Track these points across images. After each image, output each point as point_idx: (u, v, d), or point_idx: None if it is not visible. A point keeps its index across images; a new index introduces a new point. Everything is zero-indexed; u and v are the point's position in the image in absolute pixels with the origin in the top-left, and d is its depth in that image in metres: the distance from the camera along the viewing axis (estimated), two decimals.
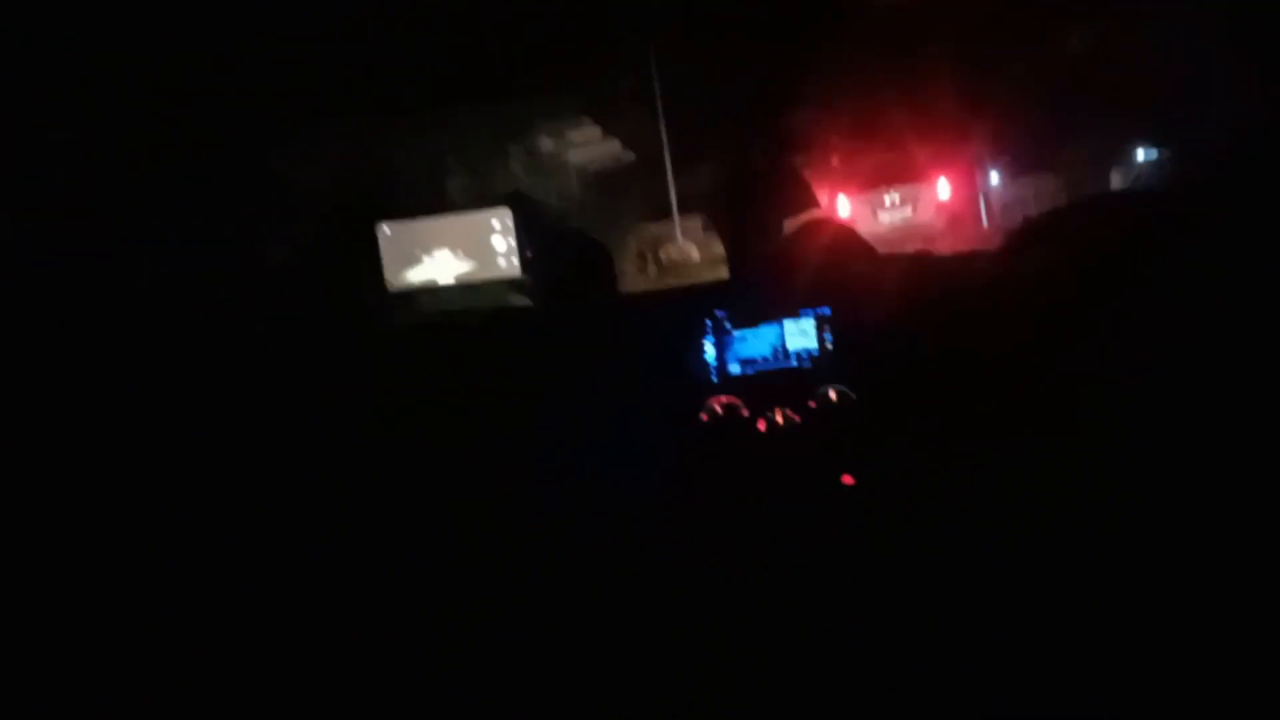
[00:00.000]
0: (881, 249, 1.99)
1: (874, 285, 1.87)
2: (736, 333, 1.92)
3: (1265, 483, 1.17)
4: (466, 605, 1.78)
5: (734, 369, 1.93)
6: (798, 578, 1.78)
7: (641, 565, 1.83)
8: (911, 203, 6.42)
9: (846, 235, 1.90)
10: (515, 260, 2.05)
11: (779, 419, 1.88)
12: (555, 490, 1.91)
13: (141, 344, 1.86)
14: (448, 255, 2.06)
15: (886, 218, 5.91)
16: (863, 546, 1.77)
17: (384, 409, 1.96)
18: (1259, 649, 1.05)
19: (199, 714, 1.57)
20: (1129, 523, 1.47)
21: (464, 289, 2.12)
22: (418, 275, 2.09)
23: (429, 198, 2.27)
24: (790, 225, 1.99)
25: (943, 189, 6.37)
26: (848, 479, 1.82)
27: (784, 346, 1.91)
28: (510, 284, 2.10)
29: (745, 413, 1.89)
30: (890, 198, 6.01)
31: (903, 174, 6.12)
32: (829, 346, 1.88)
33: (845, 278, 1.89)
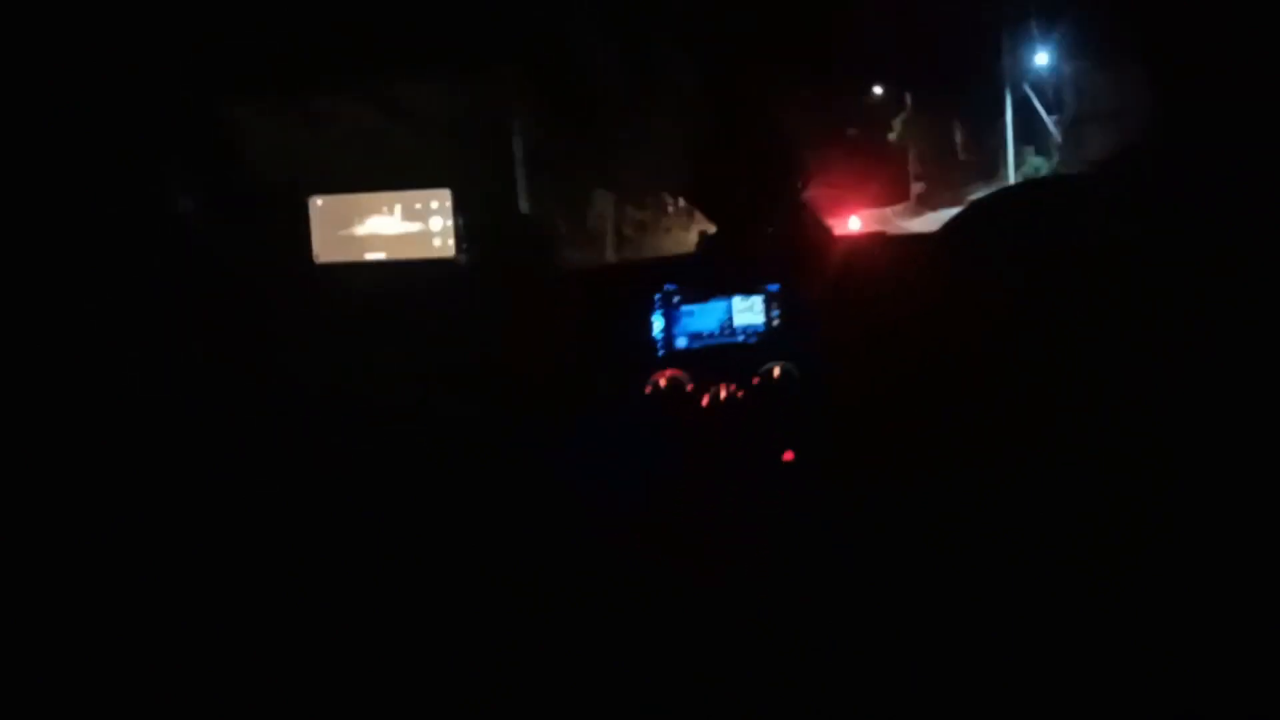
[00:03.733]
0: None
1: (824, 263, 1.89)
2: (685, 308, 1.93)
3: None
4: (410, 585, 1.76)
5: (680, 343, 1.93)
6: (738, 552, 1.78)
7: (585, 539, 1.81)
8: None
9: (799, 213, 1.92)
10: (450, 241, 2.04)
11: (722, 394, 1.88)
12: (498, 467, 1.90)
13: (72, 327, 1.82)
14: (380, 231, 2.05)
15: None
16: (802, 522, 1.78)
17: (316, 382, 1.93)
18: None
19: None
20: (1058, 506, 1.49)
21: (396, 266, 2.10)
22: (348, 250, 2.07)
23: (365, 173, 2.24)
24: (745, 202, 2.00)
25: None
26: (788, 455, 1.83)
27: (731, 322, 1.92)
28: (444, 263, 2.08)
29: (690, 387, 1.89)
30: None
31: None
32: (775, 323, 1.89)
33: (795, 255, 1.90)
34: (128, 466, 1.73)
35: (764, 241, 1.93)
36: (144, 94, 1.99)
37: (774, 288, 1.89)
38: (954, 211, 1.87)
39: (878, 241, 1.95)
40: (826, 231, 1.93)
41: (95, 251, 1.87)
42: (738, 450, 1.86)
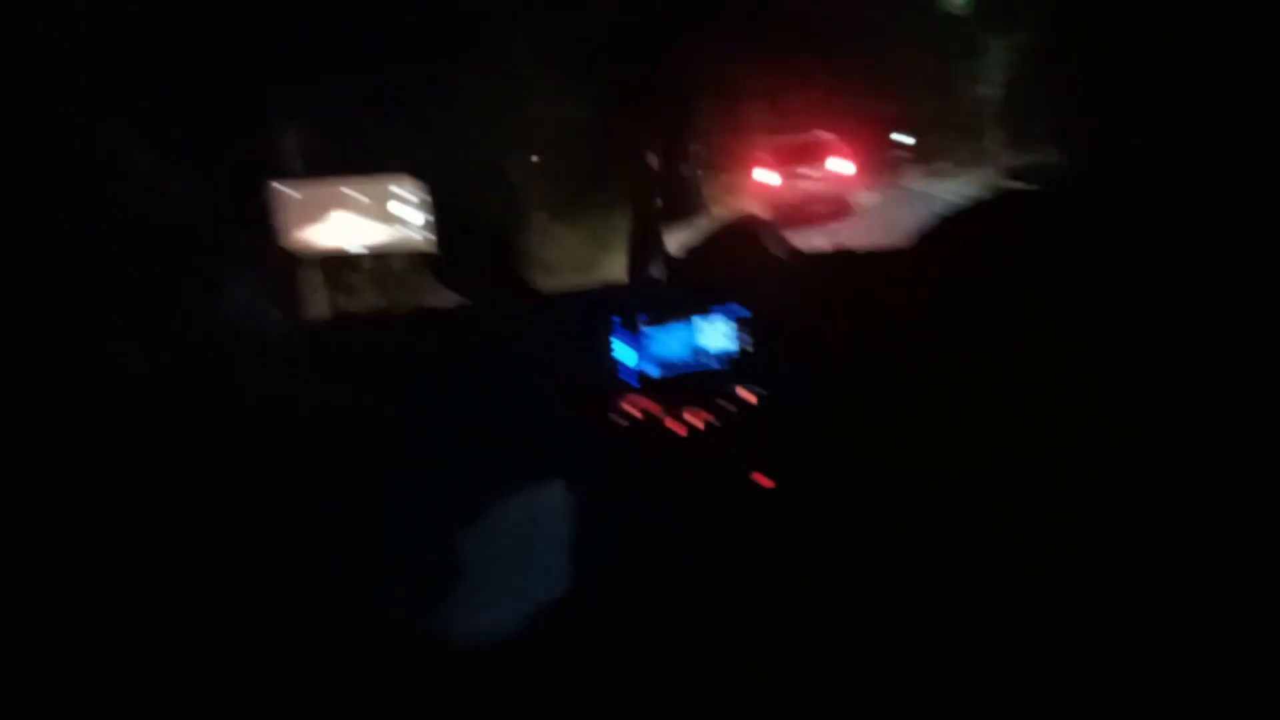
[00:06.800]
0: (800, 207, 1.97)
1: (791, 286, 1.84)
2: (653, 335, 1.88)
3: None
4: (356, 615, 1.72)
5: (650, 370, 1.88)
6: (714, 578, 1.76)
7: (557, 569, 1.79)
8: (819, 176, 7.93)
9: (765, 236, 1.87)
10: (425, 234, 1.96)
11: (694, 420, 1.84)
12: (466, 493, 1.86)
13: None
14: (350, 220, 1.96)
15: (804, 185, 7.99)
16: (778, 545, 1.76)
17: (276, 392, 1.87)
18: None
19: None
20: (1046, 529, 1.48)
21: (367, 258, 2.03)
22: (319, 238, 1.98)
23: (329, 162, 2.14)
24: (709, 225, 1.95)
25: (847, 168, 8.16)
26: (762, 479, 1.81)
27: (701, 348, 1.87)
28: (418, 256, 2.01)
29: (661, 415, 1.85)
30: (805, 170, 7.87)
31: (813, 155, 7.90)
32: (745, 347, 1.85)
33: (763, 279, 1.86)
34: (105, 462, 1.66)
35: (729, 265, 1.88)
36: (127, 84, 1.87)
37: (742, 312, 1.85)
38: None
39: (844, 258, 1.91)
40: (791, 252, 1.88)
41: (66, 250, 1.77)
42: (714, 477, 1.83)
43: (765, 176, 8.05)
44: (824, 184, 8.15)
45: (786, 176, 8.05)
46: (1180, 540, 1.13)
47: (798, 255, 1.88)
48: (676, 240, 1.93)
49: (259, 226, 1.99)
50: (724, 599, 1.75)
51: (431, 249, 2.00)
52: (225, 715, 1.54)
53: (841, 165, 8.28)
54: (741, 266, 1.87)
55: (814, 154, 8.18)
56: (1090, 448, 1.35)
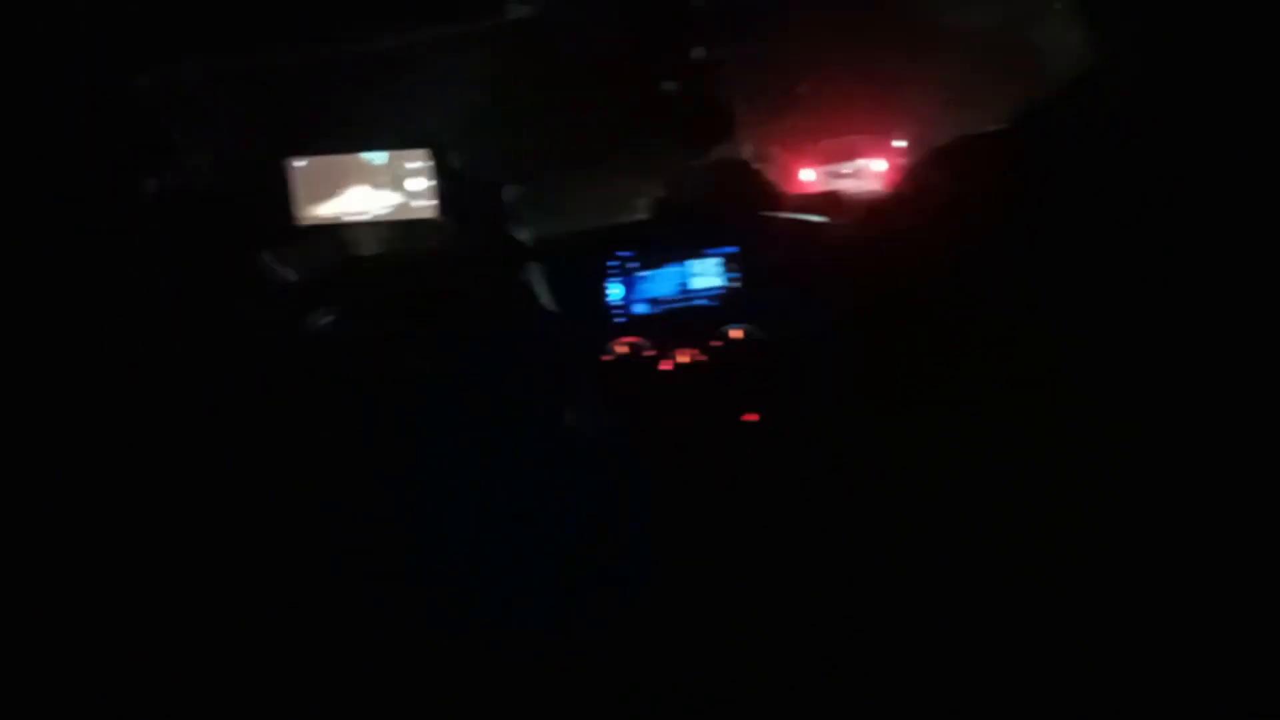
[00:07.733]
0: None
1: (779, 224, 1.86)
2: (641, 273, 1.90)
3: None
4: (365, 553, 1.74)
5: (639, 309, 1.91)
6: (698, 514, 1.77)
7: (546, 507, 1.81)
8: (857, 175, 7.78)
9: (752, 175, 1.89)
10: (432, 202, 1.99)
11: (684, 358, 1.86)
12: (460, 433, 1.89)
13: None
14: (362, 193, 2.00)
15: (841, 184, 7.46)
16: (764, 483, 1.76)
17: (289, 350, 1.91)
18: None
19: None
20: (1032, 478, 1.46)
21: (376, 226, 2.06)
22: (329, 210, 2.02)
23: (345, 135, 2.18)
24: (698, 166, 1.97)
25: (879, 166, 8.03)
26: (751, 416, 1.82)
27: (689, 285, 1.89)
28: (426, 225, 2.04)
29: (649, 352, 1.87)
30: (844, 168, 7.74)
31: (851, 153, 7.79)
32: (735, 285, 1.87)
33: (751, 217, 1.87)
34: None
35: (717, 204, 1.90)
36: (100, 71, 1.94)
37: (732, 250, 1.87)
38: None
39: (833, 200, 1.92)
40: (777, 192, 1.90)
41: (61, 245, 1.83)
42: (700, 413, 1.84)
43: (804, 174, 8.42)
44: (858, 183, 8.22)
45: (824, 176, 8.35)
46: (1180, 540, 1.11)
47: (782, 196, 1.90)
48: (669, 181, 1.96)
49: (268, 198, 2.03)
50: (705, 534, 1.75)
51: (435, 213, 2.02)
52: (225, 715, 1.56)
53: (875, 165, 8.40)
54: (729, 207, 1.89)
55: (851, 156, 8.29)
56: (1090, 445, 1.34)
